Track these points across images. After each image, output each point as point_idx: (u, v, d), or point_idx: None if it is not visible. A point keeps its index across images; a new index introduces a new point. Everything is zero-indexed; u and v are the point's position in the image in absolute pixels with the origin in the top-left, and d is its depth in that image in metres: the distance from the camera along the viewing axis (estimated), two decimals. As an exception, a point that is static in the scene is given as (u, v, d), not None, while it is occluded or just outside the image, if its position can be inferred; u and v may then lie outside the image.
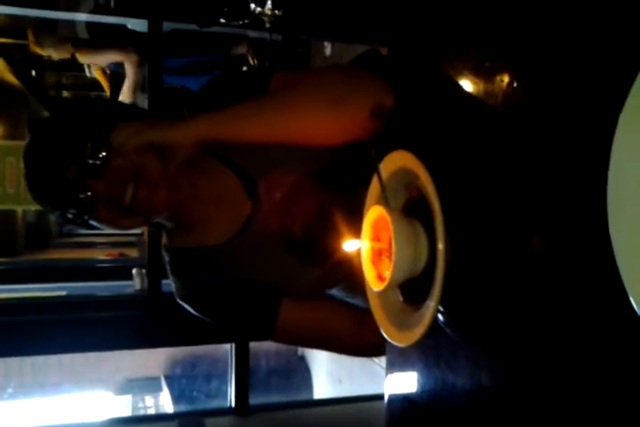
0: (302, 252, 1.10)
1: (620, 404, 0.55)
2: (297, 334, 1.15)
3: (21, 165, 1.05)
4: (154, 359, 6.07)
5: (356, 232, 0.80)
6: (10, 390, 6.24)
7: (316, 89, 0.98)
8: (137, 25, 2.42)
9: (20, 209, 6.18)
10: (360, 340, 1.14)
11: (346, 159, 1.07)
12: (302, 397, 5.15)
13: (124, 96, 3.06)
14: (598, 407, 0.58)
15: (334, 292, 1.17)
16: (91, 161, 0.97)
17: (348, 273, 0.96)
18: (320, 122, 0.95)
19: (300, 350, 5.20)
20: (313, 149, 1.03)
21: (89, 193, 0.97)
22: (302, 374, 5.20)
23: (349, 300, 1.17)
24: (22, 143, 1.09)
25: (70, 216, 1.01)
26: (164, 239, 1.17)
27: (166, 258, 1.16)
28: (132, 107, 1.14)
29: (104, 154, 0.97)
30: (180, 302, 1.14)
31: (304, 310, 1.14)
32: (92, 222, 1.03)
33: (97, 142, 0.97)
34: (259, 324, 1.13)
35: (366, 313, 0.88)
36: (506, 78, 0.73)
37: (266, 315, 1.11)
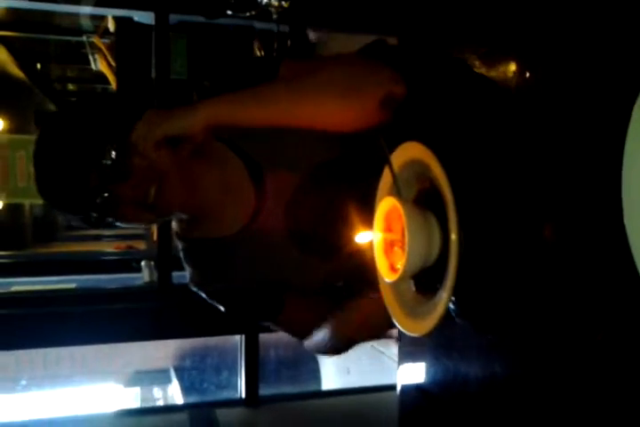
0: (310, 244, 1.10)
1: (624, 392, 0.55)
2: (295, 325, 1.17)
3: (31, 159, 1.04)
4: (163, 351, 6.10)
5: (368, 223, 0.80)
6: (23, 382, 6.29)
7: (327, 77, 0.97)
8: (143, 17, 2.41)
9: (27, 202, 6.20)
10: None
11: (356, 150, 1.07)
12: (310, 387, 5.17)
13: None
14: (605, 397, 0.58)
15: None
16: (112, 166, 0.96)
17: (358, 265, 0.96)
18: (331, 109, 0.95)
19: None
20: (322, 139, 1.03)
21: (112, 197, 0.97)
22: (310, 364, 5.21)
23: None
24: (31, 137, 1.08)
25: (92, 220, 1.01)
26: (176, 228, 1.17)
27: (179, 246, 1.17)
28: (141, 100, 1.13)
29: (123, 156, 0.96)
30: (193, 288, 1.15)
31: (306, 304, 1.14)
32: (116, 223, 1.03)
33: (116, 145, 0.96)
34: (266, 310, 1.14)
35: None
36: (517, 68, 0.73)
37: (272, 303, 1.12)
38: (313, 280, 1.14)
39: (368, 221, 0.80)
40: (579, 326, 0.61)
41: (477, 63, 0.80)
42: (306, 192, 1.08)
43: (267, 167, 1.08)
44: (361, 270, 0.91)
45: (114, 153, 0.96)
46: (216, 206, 1.09)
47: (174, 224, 1.18)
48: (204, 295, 1.15)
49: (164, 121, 0.93)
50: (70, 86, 8.48)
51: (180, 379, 5.94)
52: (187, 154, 0.98)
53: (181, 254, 1.17)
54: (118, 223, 1.03)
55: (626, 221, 0.50)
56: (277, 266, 1.12)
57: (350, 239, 0.83)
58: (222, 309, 1.15)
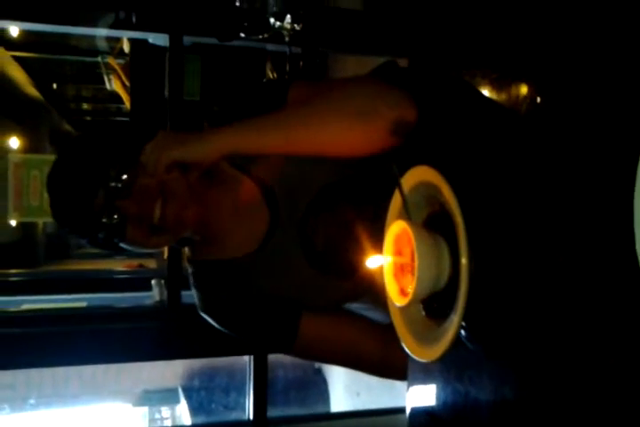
0: (323, 265, 1.10)
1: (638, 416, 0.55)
2: (318, 349, 1.15)
3: (44, 179, 1.06)
4: (172, 371, 6.08)
5: (378, 246, 0.79)
6: (32, 401, 6.28)
7: (338, 101, 0.97)
8: (158, 39, 2.45)
9: (40, 221, 6.25)
10: (385, 361, 1.13)
11: (367, 173, 1.07)
12: (319, 410, 5.12)
13: None
14: (619, 421, 0.57)
15: (357, 305, 1.17)
16: (117, 184, 0.97)
17: (371, 286, 0.96)
18: (342, 134, 0.95)
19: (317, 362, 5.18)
20: (334, 162, 1.03)
21: (118, 215, 0.98)
22: (319, 386, 5.17)
23: (370, 313, 1.17)
24: (46, 157, 1.10)
25: (100, 241, 1.02)
26: (187, 251, 1.17)
27: (189, 270, 1.16)
28: (154, 121, 1.14)
29: (129, 175, 0.97)
30: (202, 314, 1.14)
31: (325, 324, 1.13)
32: (122, 245, 1.03)
33: (122, 165, 0.98)
34: (279, 337, 1.12)
35: (392, 334, 0.90)
36: (529, 92, 0.73)
37: (287, 328, 1.11)
38: (330, 300, 1.13)
39: (379, 244, 0.79)
40: (591, 350, 0.61)
41: (489, 87, 0.81)
42: (318, 213, 1.08)
43: (278, 189, 1.09)
44: (375, 290, 0.90)
45: (119, 172, 0.98)
46: (229, 227, 1.09)
47: (186, 248, 1.18)
48: (212, 322, 1.14)
49: (178, 147, 0.93)
50: (85, 106, 8.60)
51: (189, 399, 5.91)
52: (196, 176, 0.99)
53: (191, 279, 1.16)
54: (124, 245, 1.03)
55: (638, 247, 0.50)
56: (293, 286, 1.11)
57: (362, 261, 0.82)
58: (235, 335, 1.14)
